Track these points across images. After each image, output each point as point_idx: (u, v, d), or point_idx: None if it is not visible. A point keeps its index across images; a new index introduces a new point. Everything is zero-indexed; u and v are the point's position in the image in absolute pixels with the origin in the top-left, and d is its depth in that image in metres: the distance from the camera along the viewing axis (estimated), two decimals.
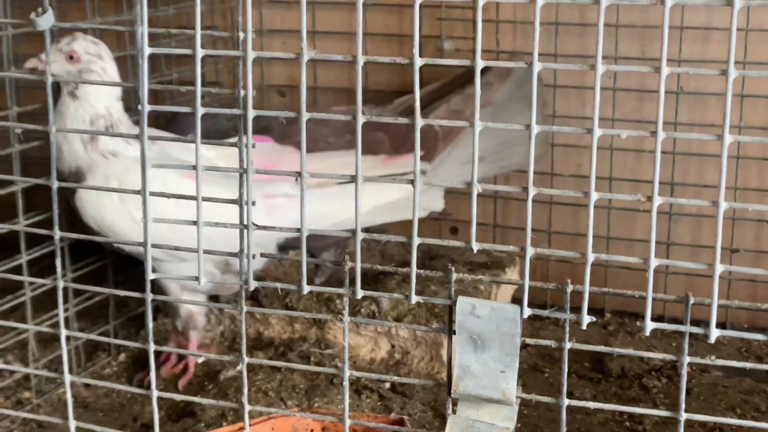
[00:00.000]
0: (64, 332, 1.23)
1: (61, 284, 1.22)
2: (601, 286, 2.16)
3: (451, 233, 2.35)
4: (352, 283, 1.15)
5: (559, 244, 2.23)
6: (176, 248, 1.19)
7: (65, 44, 1.74)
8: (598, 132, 1.03)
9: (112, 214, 1.76)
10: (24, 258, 1.80)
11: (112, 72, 1.79)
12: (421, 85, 1.21)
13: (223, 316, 2.02)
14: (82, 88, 1.75)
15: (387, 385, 1.84)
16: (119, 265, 2.04)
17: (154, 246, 1.18)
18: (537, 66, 1.03)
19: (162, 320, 2.06)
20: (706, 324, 1.06)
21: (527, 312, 1.09)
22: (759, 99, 2.06)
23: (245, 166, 1.13)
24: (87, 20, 1.95)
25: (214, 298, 1.99)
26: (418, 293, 1.14)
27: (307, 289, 1.15)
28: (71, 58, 1.74)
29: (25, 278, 1.34)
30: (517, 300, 1.12)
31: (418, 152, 1.10)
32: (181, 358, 1.95)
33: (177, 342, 1.95)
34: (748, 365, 1.03)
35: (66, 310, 1.89)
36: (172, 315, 1.94)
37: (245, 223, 1.16)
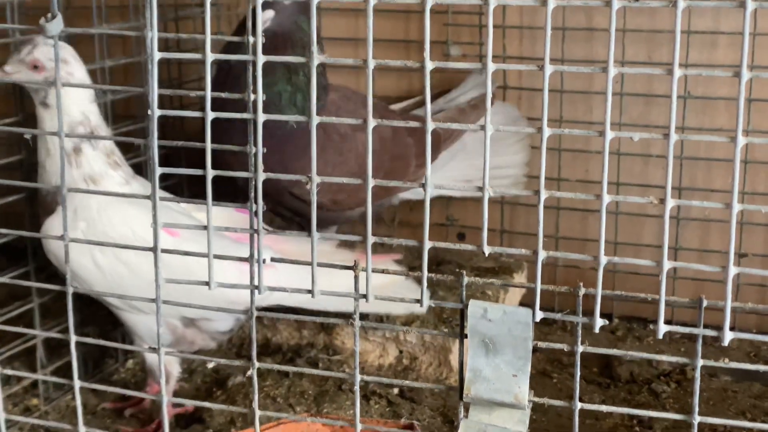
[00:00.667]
0: (74, 338, 1.23)
1: (70, 290, 1.22)
2: (609, 290, 2.17)
3: (458, 239, 2.34)
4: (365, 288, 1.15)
5: (566, 250, 2.22)
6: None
7: (26, 54, 1.65)
8: (610, 135, 1.02)
9: (74, 255, 1.62)
10: (31, 265, 1.80)
11: (80, 75, 1.70)
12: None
13: None
14: (52, 96, 1.66)
15: (395, 390, 1.84)
16: None
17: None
18: (548, 69, 1.02)
19: None
20: (714, 328, 1.06)
21: (539, 315, 1.09)
22: (766, 103, 2.06)
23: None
24: (94, 26, 1.94)
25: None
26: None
27: (318, 294, 1.15)
28: (35, 67, 1.66)
29: (34, 284, 1.33)
30: (524, 305, 1.12)
31: (429, 154, 1.10)
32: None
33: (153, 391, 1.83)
34: (762, 368, 1.03)
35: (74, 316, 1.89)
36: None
37: (255, 227, 1.16)
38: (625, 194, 2.16)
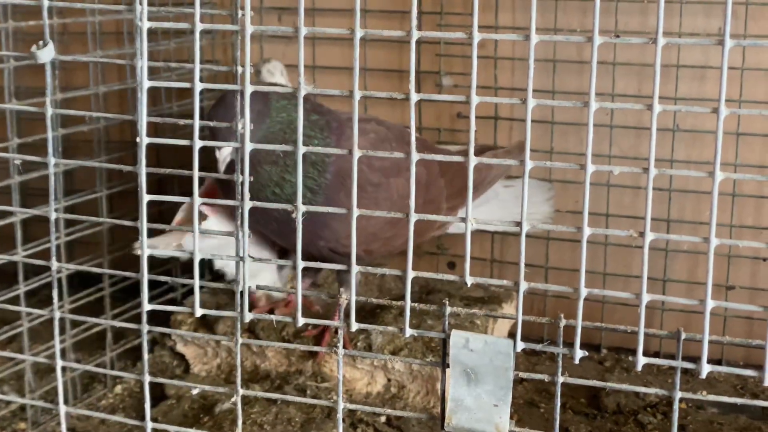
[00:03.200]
0: (59, 363, 1.24)
1: (57, 315, 1.23)
2: (597, 321, 2.18)
3: (449, 268, 2.35)
4: (347, 315, 1.16)
5: (556, 280, 2.23)
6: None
7: None
8: (591, 168, 1.04)
9: None
10: (22, 289, 1.80)
11: None
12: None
13: (219, 349, 2.02)
14: None
15: (383, 419, 1.84)
16: (117, 297, 2.05)
17: None
18: (531, 102, 1.04)
19: (158, 352, 2.07)
20: (698, 360, 1.07)
21: (520, 346, 1.10)
22: (754, 137, 2.08)
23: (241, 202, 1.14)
24: (89, 53, 1.96)
25: None
26: (414, 327, 1.15)
27: (302, 321, 1.16)
28: None
29: (23, 309, 1.35)
30: (513, 335, 1.13)
31: (414, 185, 1.12)
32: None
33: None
34: (739, 401, 1.04)
35: (63, 341, 1.90)
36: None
37: (241, 255, 1.17)
38: (614, 226, 2.18)
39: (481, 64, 2.19)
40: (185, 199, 1.18)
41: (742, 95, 2.03)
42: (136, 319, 1.75)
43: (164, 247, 1.73)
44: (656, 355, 2.15)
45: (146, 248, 1.16)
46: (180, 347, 2.04)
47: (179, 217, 1.85)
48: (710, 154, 2.11)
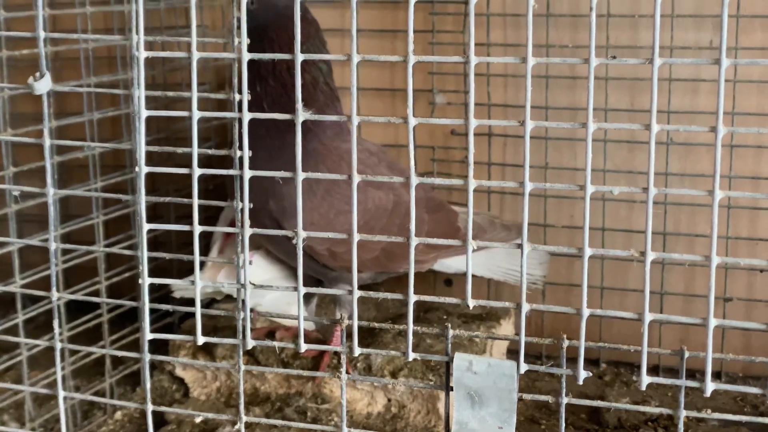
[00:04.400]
0: (61, 393, 1.24)
1: (58, 345, 1.23)
2: (595, 335, 2.19)
3: (446, 285, 2.35)
4: (349, 338, 1.17)
5: (553, 295, 2.23)
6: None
7: None
8: (590, 188, 1.04)
9: None
10: (20, 318, 1.80)
11: None
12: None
13: (219, 372, 2.01)
14: None
15: None
16: (115, 322, 2.04)
17: None
18: (529, 125, 1.05)
19: (157, 376, 2.06)
20: (701, 373, 1.07)
21: (524, 368, 1.10)
22: (748, 149, 2.08)
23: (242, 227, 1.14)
24: (82, 80, 1.96)
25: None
26: (413, 346, 1.15)
27: (304, 347, 1.16)
28: None
29: (22, 339, 1.35)
30: (512, 350, 1.13)
31: (414, 208, 1.12)
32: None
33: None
34: (744, 418, 1.04)
35: (62, 368, 1.90)
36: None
37: (242, 282, 1.17)
38: (610, 239, 2.18)
39: (474, 81, 2.19)
40: (184, 227, 1.18)
41: (735, 107, 2.03)
42: (135, 344, 1.76)
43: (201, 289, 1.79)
44: (656, 368, 2.16)
45: (147, 278, 1.16)
46: (179, 371, 2.03)
47: (209, 267, 1.86)
48: (704, 166, 2.14)
